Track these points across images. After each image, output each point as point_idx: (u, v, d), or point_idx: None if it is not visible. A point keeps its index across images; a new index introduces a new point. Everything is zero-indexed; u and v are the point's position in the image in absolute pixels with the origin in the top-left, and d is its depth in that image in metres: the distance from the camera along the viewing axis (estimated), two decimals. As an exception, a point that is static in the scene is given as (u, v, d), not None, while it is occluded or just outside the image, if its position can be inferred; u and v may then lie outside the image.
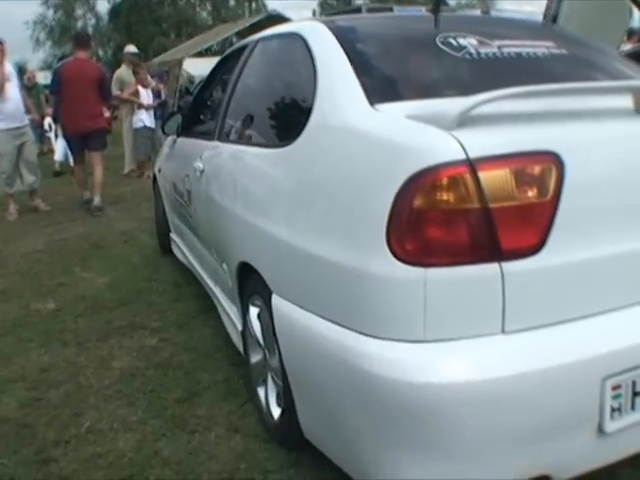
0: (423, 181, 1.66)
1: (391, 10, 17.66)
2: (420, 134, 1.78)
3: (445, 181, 1.66)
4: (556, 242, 1.75)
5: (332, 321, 1.90)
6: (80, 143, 7.86)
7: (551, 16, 5.40)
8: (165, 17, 45.28)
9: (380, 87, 2.15)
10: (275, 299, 2.25)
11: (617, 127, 1.95)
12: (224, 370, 3.31)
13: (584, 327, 1.81)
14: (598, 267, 1.83)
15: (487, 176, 1.66)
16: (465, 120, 1.73)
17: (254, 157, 2.73)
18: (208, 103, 4.14)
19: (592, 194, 1.81)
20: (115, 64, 26.22)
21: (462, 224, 1.69)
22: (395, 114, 1.94)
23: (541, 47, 2.58)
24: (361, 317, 1.81)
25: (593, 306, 1.84)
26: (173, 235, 5.01)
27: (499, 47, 2.46)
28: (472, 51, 2.38)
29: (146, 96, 10.38)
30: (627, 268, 1.88)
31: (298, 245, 2.10)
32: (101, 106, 7.88)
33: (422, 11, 6.39)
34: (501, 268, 1.70)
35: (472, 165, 1.65)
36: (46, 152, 12.61)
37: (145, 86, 10.44)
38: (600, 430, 1.82)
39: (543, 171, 1.73)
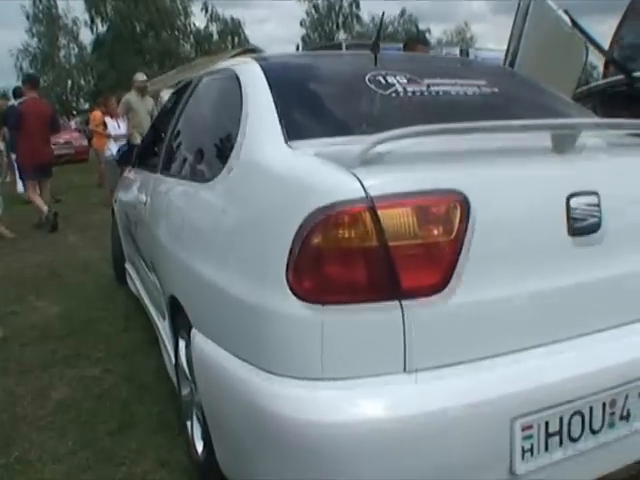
0: (321, 219, 1.68)
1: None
2: (321, 172, 1.80)
3: (343, 219, 1.68)
4: (461, 281, 1.76)
5: (240, 358, 1.91)
6: (36, 172, 8.89)
7: (510, 57, 5.50)
8: (148, 49, 45.52)
9: (300, 124, 2.19)
10: (194, 334, 2.27)
11: (530, 166, 1.98)
12: (160, 403, 3.30)
13: (491, 367, 1.81)
14: (506, 306, 1.85)
15: (387, 214, 1.68)
16: (369, 158, 1.75)
17: (183, 191, 2.77)
18: (157, 135, 4.19)
19: (499, 234, 1.83)
20: (97, 94, 26.30)
21: (360, 262, 1.70)
22: (305, 152, 1.96)
23: (474, 86, 2.63)
24: (263, 354, 1.82)
25: (501, 345, 1.85)
26: (127, 265, 5.01)
27: (428, 85, 2.51)
28: (399, 89, 2.43)
29: (115, 127, 10.40)
30: (536, 308, 1.90)
31: (211, 280, 2.12)
32: (50, 139, 9.24)
33: (400, 47, 6.49)
34: (402, 306, 1.71)
35: (371, 203, 1.67)
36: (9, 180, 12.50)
37: (113, 116, 10.48)
38: (511, 472, 1.82)
39: (447, 210, 1.74)
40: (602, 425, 1.94)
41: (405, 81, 2.46)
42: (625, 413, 1.98)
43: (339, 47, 15.12)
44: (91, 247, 7.31)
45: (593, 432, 1.92)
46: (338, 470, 1.70)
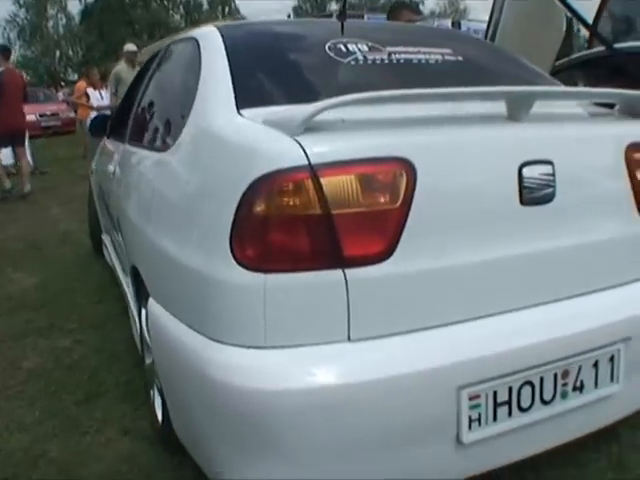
0: (263, 187, 1.67)
1: (362, 17, 17.78)
2: (264, 140, 1.78)
3: (285, 187, 1.67)
4: (407, 249, 1.75)
5: (190, 326, 1.90)
6: (9, 140, 9.25)
7: (492, 28, 5.46)
8: (138, 19, 45.02)
9: (253, 92, 2.16)
10: (150, 302, 2.26)
11: (481, 134, 1.95)
12: (128, 372, 3.30)
13: (438, 335, 1.81)
14: (454, 275, 1.84)
15: (330, 182, 1.67)
16: (314, 126, 1.74)
17: (144, 161, 2.75)
18: (127, 105, 4.15)
19: (447, 202, 1.82)
20: (85, 65, 26.03)
21: (302, 231, 1.69)
22: (253, 119, 1.94)
23: (437, 54, 2.60)
24: (210, 323, 1.81)
25: (449, 314, 1.85)
26: (104, 237, 4.99)
27: (389, 54, 2.48)
28: (359, 57, 2.40)
29: (97, 98, 10.31)
30: (485, 277, 1.89)
31: (163, 249, 2.11)
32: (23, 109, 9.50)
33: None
34: (345, 275, 1.70)
35: (314, 171, 1.66)
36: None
37: (96, 88, 10.39)
38: (458, 441, 1.83)
39: (392, 177, 1.73)
40: (554, 396, 1.95)
41: (366, 49, 2.44)
42: (579, 384, 1.99)
43: (330, 17, 14.98)
44: (72, 219, 7.27)
45: (544, 403, 1.93)
46: (285, 437, 1.71)
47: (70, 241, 6.36)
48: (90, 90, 10.42)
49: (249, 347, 1.72)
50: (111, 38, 37.34)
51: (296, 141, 1.70)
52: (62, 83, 39.01)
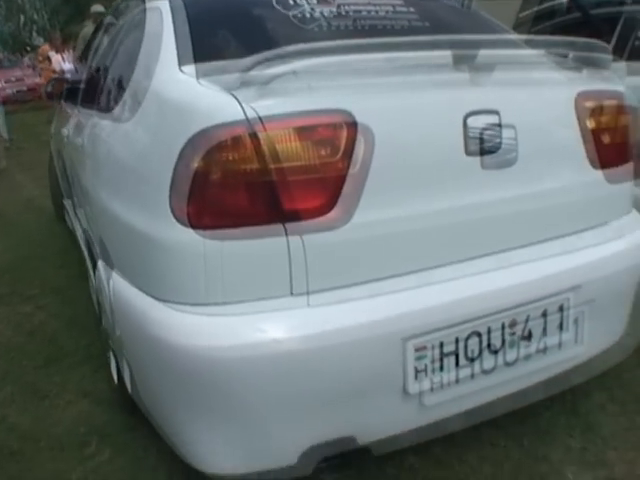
0: (200, 143, 1.64)
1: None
2: (202, 96, 1.76)
3: (222, 142, 1.64)
4: (348, 202, 1.74)
5: (137, 287, 1.89)
6: None
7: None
8: (104, -20, 43.92)
9: (195, 48, 2.10)
10: (100, 264, 2.24)
11: (424, 85, 1.93)
12: (88, 336, 3.28)
13: (382, 288, 1.81)
14: (397, 227, 1.83)
15: (268, 136, 1.65)
16: (250, 79, 1.70)
17: (93, 122, 2.70)
18: (82, 68, 4.07)
19: (390, 153, 1.79)
20: (51, 28, 25.44)
21: (241, 186, 1.67)
22: (193, 76, 1.90)
23: (388, 6, 2.55)
24: (154, 283, 1.80)
25: (392, 267, 1.84)
26: (65, 202, 4.92)
27: (338, 6, 2.43)
28: (306, 9, 2.35)
29: (59, 62, 10.12)
30: (432, 229, 1.89)
31: (110, 210, 2.10)
32: None
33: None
34: (285, 229, 1.69)
35: (251, 125, 1.64)
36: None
37: (58, 51, 10.19)
38: (405, 392, 1.84)
39: (332, 130, 1.71)
40: (502, 345, 1.96)
41: (315, 1, 2.39)
42: (527, 333, 2.00)
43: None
44: (36, 185, 7.17)
45: (492, 352, 1.95)
46: (238, 393, 1.72)
47: (33, 207, 6.29)
48: (52, 54, 10.21)
49: (193, 305, 1.70)
50: (77, 0, 36.44)
51: (233, 95, 1.67)
52: (27, 48, 38.19)
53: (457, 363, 1.89)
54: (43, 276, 4.29)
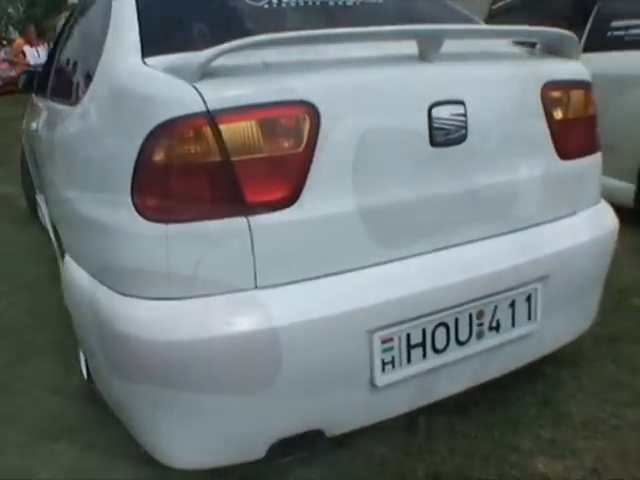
0: (161, 135, 1.63)
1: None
2: (163, 87, 1.73)
3: (182, 135, 1.63)
4: (312, 194, 1.73)
5: (100, 281, 1.87)
6: None
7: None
8: (80, -27, 43.43)
9: (160, 39, 2.08)
10: (66, 259, 2.22)
11: (389, 75, 1.92)
12: (61, 331, 3.23)
13: (346, 280, 1.80)
14: (361, 219, 1.82)
15: (229, 128, 1.64)
16: (212, 71, 1.68)
17: (60, 115, 2.67)
18: (51, 60, 4.02)
19: (353, 145, 1.78)
20: (26, 20, 25.18)
21: (202, 178, 1.66)
22: (156, 67, 1.87)
23: None
24: (116, 276, 1.79)
25: (357, 259, 1.83)
26: (38, 197, 4.87)
27: None
28: None
29: (34, 55, 10.02)
30: (395, 220, 1.88)
31: (74, 203, 2.07)
32: None
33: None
34: (248, 222, 1.68)
35: (212, 117, 1.62)
36: None
37: (32, 45, 10.09)
38: (372, 384, 1.84)
39: (294, 122, 1.70)
40: (469, 336, 1.97)
41: None
42: (495, 324, 2.00)
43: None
44: (9, 181, 7.06)
45: (460, 343, 1.95)
46: (198, 387, 1.72)
47: (6, 204, 6.23)
48: (27, 47, 10.11)
49: (155, 299, 1.69)
50: (53, -6, 36.06)
51: (194, 87, 1.65)
52: (3, 42, 37.81)
53: (424, 355, 1.90)
54: (15, 273, 4.25)
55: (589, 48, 4.10)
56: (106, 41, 2.19)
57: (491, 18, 5.47)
